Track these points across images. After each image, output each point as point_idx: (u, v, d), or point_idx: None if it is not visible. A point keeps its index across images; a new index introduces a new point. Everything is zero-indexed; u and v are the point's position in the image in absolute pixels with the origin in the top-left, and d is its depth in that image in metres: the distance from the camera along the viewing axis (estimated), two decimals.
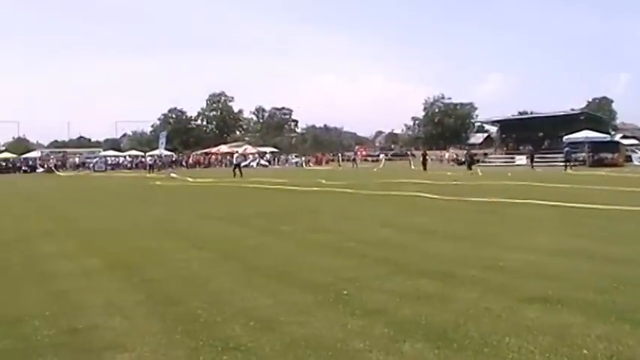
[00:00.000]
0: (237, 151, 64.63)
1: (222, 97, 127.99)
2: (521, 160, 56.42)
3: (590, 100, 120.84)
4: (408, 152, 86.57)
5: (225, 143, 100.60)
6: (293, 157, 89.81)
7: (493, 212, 15.41)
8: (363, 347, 4.89)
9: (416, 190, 22.57)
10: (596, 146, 52.64)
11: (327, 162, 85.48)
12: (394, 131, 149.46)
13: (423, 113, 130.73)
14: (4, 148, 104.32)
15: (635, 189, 21.77)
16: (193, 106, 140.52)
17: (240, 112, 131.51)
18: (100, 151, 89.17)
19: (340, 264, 8.53)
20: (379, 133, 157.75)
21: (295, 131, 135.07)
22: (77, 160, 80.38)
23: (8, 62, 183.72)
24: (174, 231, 13.04)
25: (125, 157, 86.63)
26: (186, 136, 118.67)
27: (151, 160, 67.68)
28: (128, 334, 5.41)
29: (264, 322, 5.65)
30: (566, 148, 47.95)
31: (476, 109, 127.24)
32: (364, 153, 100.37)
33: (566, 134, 54.96)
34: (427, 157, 52.81)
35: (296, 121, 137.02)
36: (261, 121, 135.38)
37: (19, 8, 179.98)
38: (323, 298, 6.55)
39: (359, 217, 14.95)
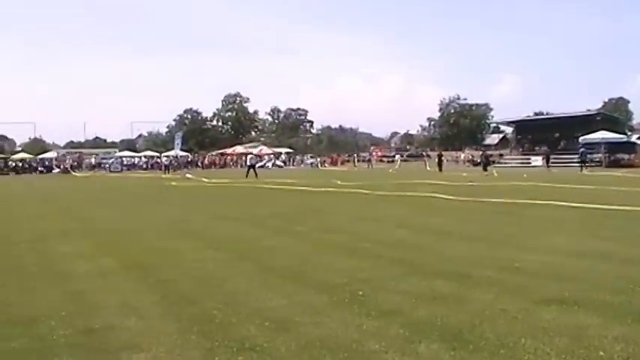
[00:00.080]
0: (251, 153, 64.65)
1: (238, 98, 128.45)
2: (537, 160, 56.03)
3: (607, 100, 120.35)
4: (424, 153, 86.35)
5: (240, 144, 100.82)
6: (308, 157, 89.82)
7: (509, 213, 15.32)
8: (379, 348, 4.87)
9: (431, 191, 22.48)
10: (612, 147, 52.19)
11: (342, 163, 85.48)
12: (409, 132, 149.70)
13: (438, 114, 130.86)
14: (20, 148, 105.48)
15: None
16: (209, 107, 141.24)
17: (256, 112, 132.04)
18: (115, 152, 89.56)
19: (355, 264, 8.51)
20: (395, 133, 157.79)
21: (311, 132, 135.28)
22: (93, 160, 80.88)
23: (25, 63, 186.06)
24: (190, 231, 13.07)
25: (141, 157, 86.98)
26: (202, 137, 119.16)
27: (166, 160, 67.89)
28: (144, 334, 5.42)
29: (280, 323, 5.64)
30: (582, 149, 47.66)
31: (491, 109, 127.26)
32: (379, 154, 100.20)
33: (582, 135, 54.37)
34: (443, 158, 52.64)
35: (311, 122, 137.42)
36: (276, 121, 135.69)
37: (35, 9, 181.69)
38: (338, 298, 6.54)
39: (374, 218, 14.92)
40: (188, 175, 48.78)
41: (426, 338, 5.06)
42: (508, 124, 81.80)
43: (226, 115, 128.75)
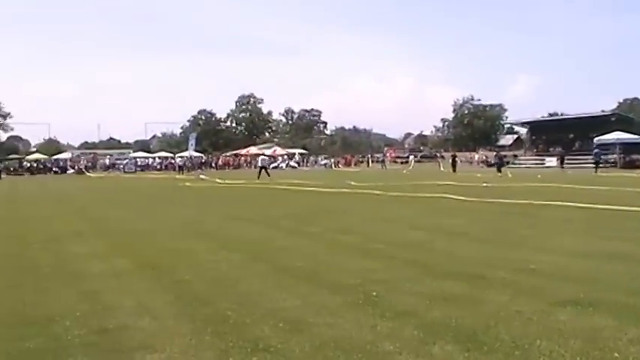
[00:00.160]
0: (263, 154, 64.67)
1: (252, 99, 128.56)
2: (552, 161, 55.78)
3: (622, 100, 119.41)
4: (437, 154, 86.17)
5: (254, 145, 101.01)
6: (322, 158, 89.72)
7: (523, 214, 15.25)
8: (393, 349, 4.85)
9: (445, 192, 22.43)
10: (627, 148, 51.88)
11: (356, 163, 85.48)
12: (423, 133, 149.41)
13: (452, 115, 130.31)
14: (35, 149, 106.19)
15: None
16: (223, 108, 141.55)
17: (270, 113, 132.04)
18: (129, 153, 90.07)
19: (369, 265, 8.50)
20: (408, 134, 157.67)
21: (324, 133, 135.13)
22: (107, 161, 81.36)
23: (39, 64, 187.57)
24: (204, 232, 13.10)
25: (155, 158, 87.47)
26: (216, 138, 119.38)
27: (180, 161, 68.24)
28: (158, 334, 5.43)
29: (294, 324, 5.64)
30: (596, 150, 47.33)
31: (505, 110, 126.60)
32: (393, 154, 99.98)
33: (597, 135, 54.01)
34: (457, 159, 52.47)
35: (325, 123, 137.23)
36: (290, 122, 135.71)
37: (50, 9, 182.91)
38: (352, 299, 6.53)
39: (387, 219, 14.90)
40: (202, 176, 48.86)
41: (440, 339, 5.04)
42: (522, 124, 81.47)
43: (240, 115, 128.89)
